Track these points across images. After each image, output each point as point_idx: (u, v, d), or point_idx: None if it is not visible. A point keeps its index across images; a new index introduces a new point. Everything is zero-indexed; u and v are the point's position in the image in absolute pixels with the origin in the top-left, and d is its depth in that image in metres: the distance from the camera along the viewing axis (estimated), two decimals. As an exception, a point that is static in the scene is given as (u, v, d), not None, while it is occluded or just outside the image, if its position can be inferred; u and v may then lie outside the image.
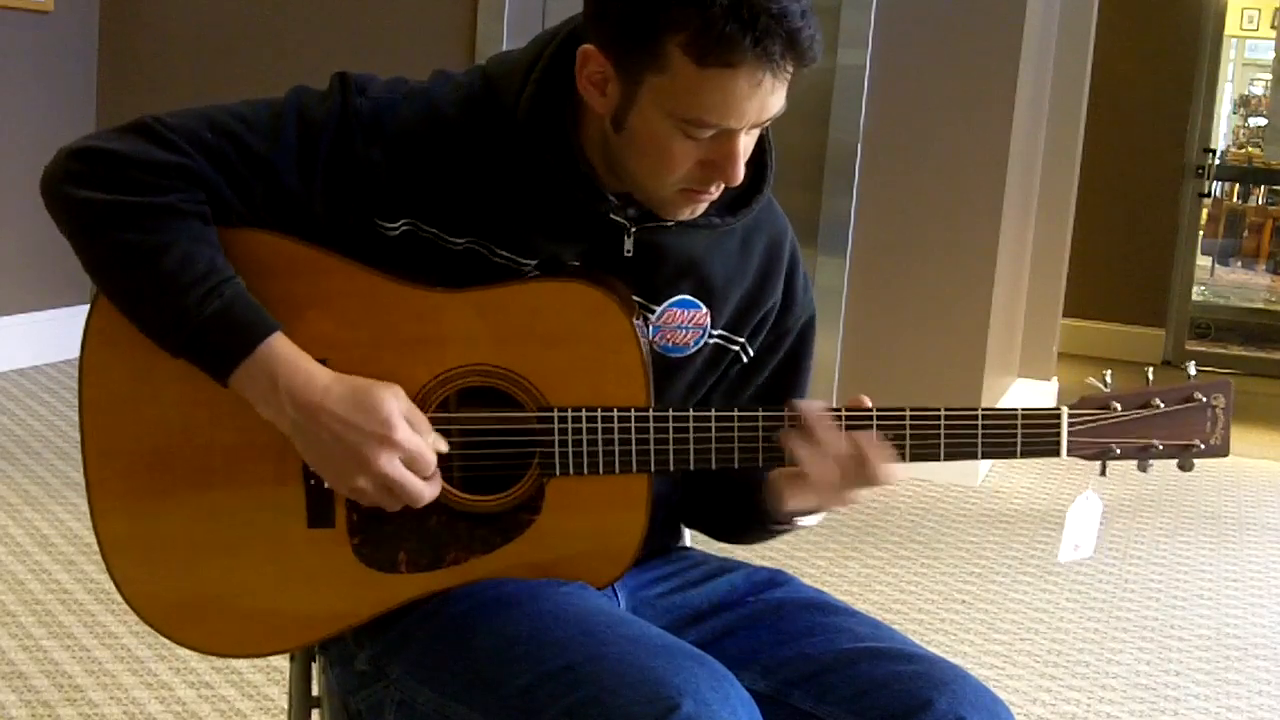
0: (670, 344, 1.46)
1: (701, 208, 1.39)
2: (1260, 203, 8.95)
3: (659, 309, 1.44)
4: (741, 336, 1.51)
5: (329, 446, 1.32)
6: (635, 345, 1.36)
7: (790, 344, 1.55)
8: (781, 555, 3.38)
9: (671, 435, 1.36)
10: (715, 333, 1.48)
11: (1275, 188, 8.69)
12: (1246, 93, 9.38)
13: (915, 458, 1.36)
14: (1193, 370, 1.41)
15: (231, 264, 1.33)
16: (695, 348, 1.47)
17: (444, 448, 1.35)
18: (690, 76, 1.26)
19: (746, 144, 1.33)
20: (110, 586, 2.79)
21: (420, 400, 1.36)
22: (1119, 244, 6.70)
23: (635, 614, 1.44)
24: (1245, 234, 8.97)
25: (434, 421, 1.36)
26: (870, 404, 1.37)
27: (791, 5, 1.25)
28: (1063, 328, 5.53)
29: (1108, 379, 1.41)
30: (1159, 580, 3.55)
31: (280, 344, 1.32)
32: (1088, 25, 5.08)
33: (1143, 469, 1.41)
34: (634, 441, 1.36)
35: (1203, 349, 7.05)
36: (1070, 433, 1.37)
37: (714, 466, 1.38)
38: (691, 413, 1.37)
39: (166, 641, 2.50)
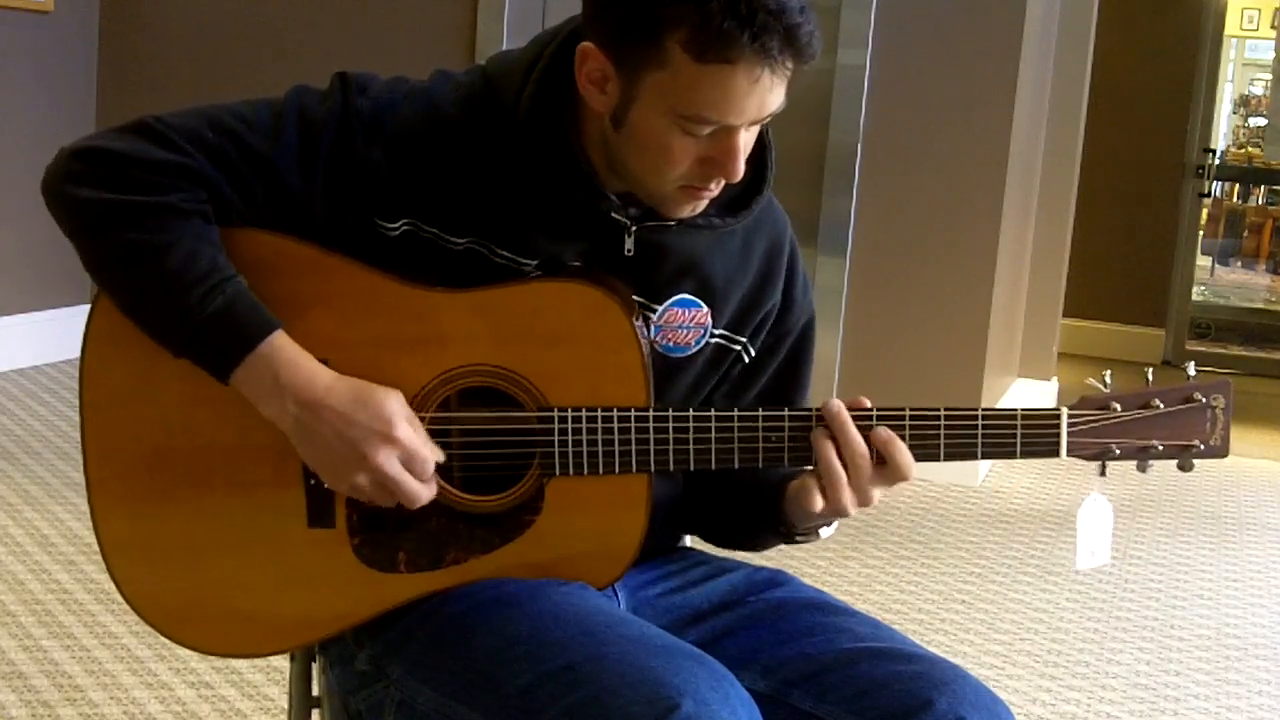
0: (672, 343, 1.46)
1: (702, 205, 1.39)
2: (1260, 203, 8.96)
3: (660, 308, 1.44)
4: (743, 337, 1.51)
5: (329, 443, 1.32)
6: (636, 346, 1.36)
7: (790, 345, 1.55)
8: (781, 555, 3.38)
9: (672, 435, 1.36)
10: (716, 332, 1.48)
11: (1275, 188, 8.70)
12: (1246, 93, 9.38)
13: (915, 458, 1.37)
14: (1192, 370, 1.41)
15: (233, 263, 1.33)
16: (696, 347, 1.47)
17: (441, 458, 1.35)
18: (689, 73, 1.27)
19: (746, 141, 1.33)
20: (110, 586, 2.79)
21: (421, 400, 1.36)
22: (1119, 244, 6.70)
23: (635, 614, 1.44)
24: (1245, 234, 8.97)
25: (434, 421, 1.36)
26: (870, 404, 1.37)
27: (790, 2, 1.25)
28: (1063, 328, 5.53)
29: (1107, 379, 1.41)
30: (1159, 580, 3.55)
31: (282, 342, 1.32)
32: (1088, 25, 5.08)
33: (1142, 469, 1.41)
34: (634, 442, 1.36)
35: (1203, 349, 7.05)
36: (1070, 433, 1.37)
37: (714, 467, 1.38)
38: (692, 413, 1.37)
39: (166, 641, 2.50)
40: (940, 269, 4.15)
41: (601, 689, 1.23)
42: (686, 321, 1.46)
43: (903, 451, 1.35)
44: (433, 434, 1.36)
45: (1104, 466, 1.40)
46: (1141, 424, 1.39)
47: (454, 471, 1.38)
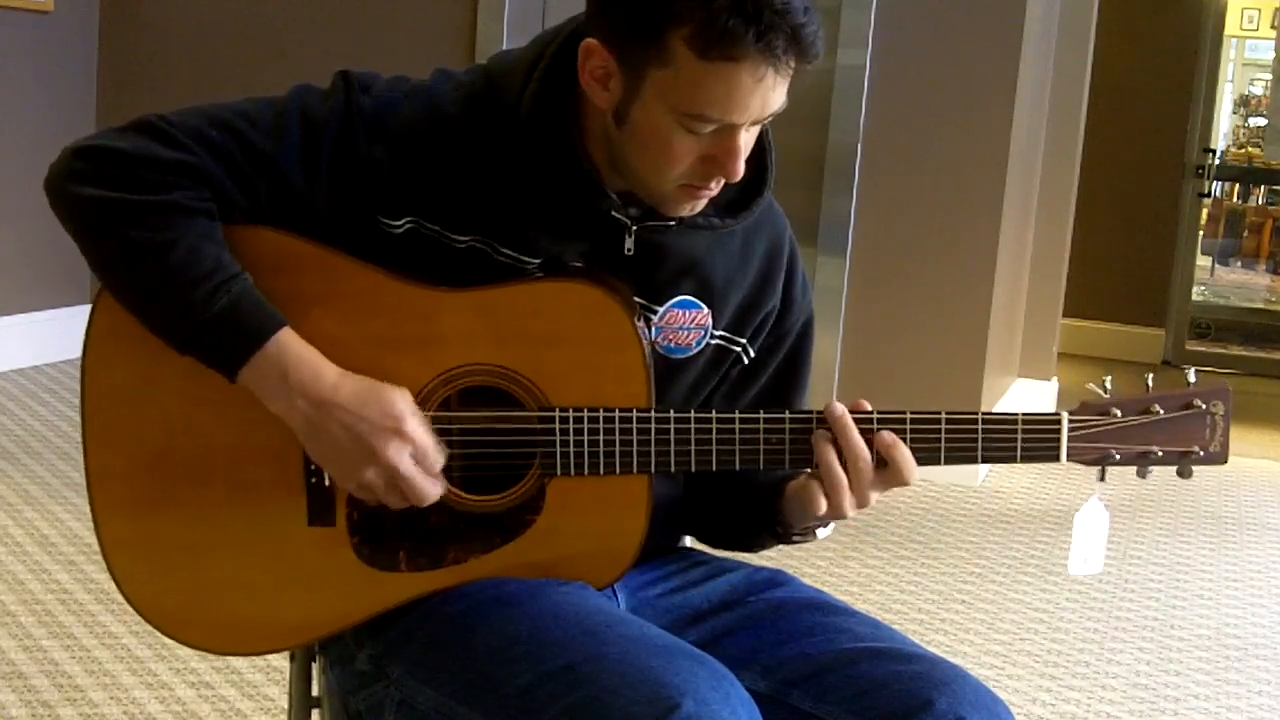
0: (672, 344, 1.46)
1: (702, 204, 1.39)
2: (1260, 203, 8.96)
3: (661, 309, 1.45)
4: (743, 338, 1.51)
5: (339, 439, 1.32)
6: (637, 346, 1.36)
7: (789, 345, 1.55)
8: (781, 555, 3.38)
9: (673, 436, 1.36)
10: (717, 333, 1.48)
11: (1275, 188, 8.70)
12: (1246, 93, 9.38)
13: (916, 462, 1.37)
14: (1192, 377, 1.41)
15: (238, 262, 1.33)
16: (697, 348, 1.47)
17: (443, 457, 1.35)
18: (693, 70, 1.27)
19: (747, 140, 1.33)
20: (110, 586, 2.79)
21: (422, 399, 1.36)
22: (1119, 244, 6.70)
23: (635, 614, 1.44)
24: (1245, 234, 8.97)
25: (435, 420, 1.36)
26: (870, 407, 1.37)
27: (794, 1, 1.25)
28: (1063, 328, 5.53)
29: (1108, 385, 1.41)
30: (1159, 580, 3.55)
31: (289, 338, 1.32)
32: (1088, 25, 5.08)
33: (1142, 475, 1.41)
34: (635, 442, 1.36)
35: (1203, 349, 7.05)
36: (1070, 438, 1.38)
37: (715, 468, 1.38)
38: (693, 414, 1.37)
39: (166, 641, 2.50)
40: (940, 269, 4.15)
41: (602, 689, 1.23)
42: (687, 323, 1.46)
43: (906, 457, 1.36)
44: (433, 433, 1.36)
45: (1104, 471, 1.40)
46: (1141, 430, 1.39)
47: (455, 471, 1.38)
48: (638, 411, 1.36)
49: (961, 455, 1.37)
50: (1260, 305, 8.52)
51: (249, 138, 1.36)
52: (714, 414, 1.37)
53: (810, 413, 1.38)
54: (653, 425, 1.36)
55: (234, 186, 1.35)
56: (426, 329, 1.36)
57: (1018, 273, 4.75)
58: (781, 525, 1.47)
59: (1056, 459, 1.38)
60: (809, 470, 1.40)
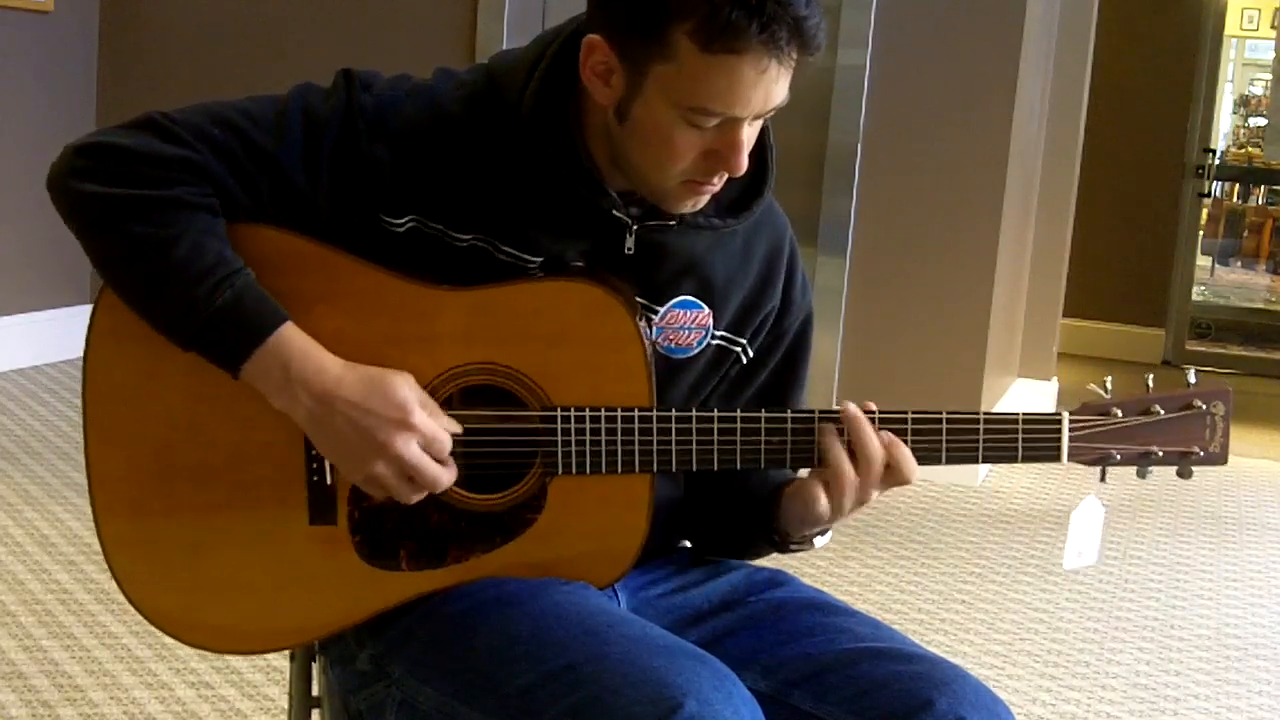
0: (673, 345, 1.46)
1: (703, 200, 1.39)
2: (1260, 203, 8.96)
3: (662, 309, 1.44)
4: (743, 338, 1.51)
5: (345, 433, 1.32)
6: (639, 345, 1.36)
7: (788, 344, 1.55)
8: (781, 556, 3.37)
9: (674, 435, 1.36)
10: (718, 334, 1.48)
11: (1275, 188, 8.70)
12: (1246, 93, 9.39)
13: (916, 461, 1.37)
14: (1193, 377, 1.42)
15: (241, 260, 1.33)
16: (699, 348, 1.47)
17: (458, 428, 1.35)
18: (696, 64, 1.27)
19: (750, 134, 1.33)
20: (110, 586, 2.79)
21: (423, 398, 1.36)
22: (1119, 244, 6.70)
23: (636, 614, 1.44)
24: (1245, 234, 8.98)
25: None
26: (874, 407, 1.37)
27: None
28: (1063, 328, 5.53)
29: (1108, 385, 1.41)
30: (1159, 580, 3.55)
31: (291, 333, 1.32)
32: (1088, 25, 5.08)
33: (1142, 475, 1.42)
34: (637, 441, 1.36)
35: (1203, 349, 7.05)
36: (1071, 438, 1.38)
37: (716, 467, 1.38)
38: (694, 413, 1.37)
39: (166, 641, 2.50)
40: (940, 269, 4.15)
41: (603, 689, 1.23)
42: (688, 323, 1.46)
43: (907, 456, 1.36)
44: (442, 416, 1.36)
45: (1104, 472, 1.41)
46: (1142, 430, 1.39)
47: (456, 469, 1.38)
48: (639, 411, 1.36)
49: (962, 455, 1.38)
50: (1260, 305, 8.52)
51: (251, 135, 1.36)
52: (715, 413, 1.37)
53: (812, 412, 1.38)
54: (654, 424, 1.36)
55: (236, 184, 1.35)
56: (428, 328, 1.36)
57: (1018, 273, 4.75)
58: (778, 532, 1.47)
59: (1057, 459, 1.38)
60: (808, 472, 1.40)
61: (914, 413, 1.37)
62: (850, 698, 1.35)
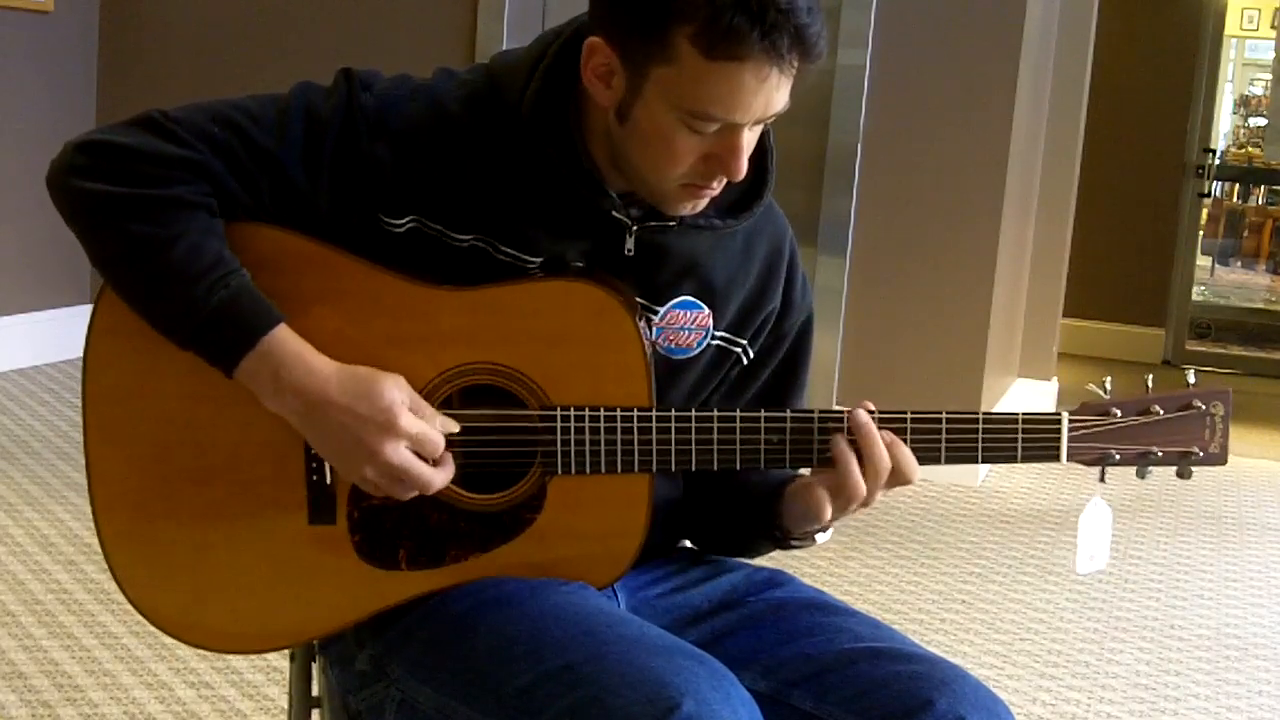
0: (673, 345, 1.46)
1: (703, 203, 1.39)
2: (1260, 203, 8.96)
3: (662, 310, 1.44)
4: (743, 339, 1.51)
5: (336, 437, 1.32)
6: (638, 345, 1.36)
7: (788, 346, 1.55)
8: (782, 555, 3.37)
9: (674, 435, 1.36)
10: (718, 334, 1.48)
11: (1275, 188, 8.70)
12: (1246, 93, 9.39)
13: (918, 462, 1.37)
14: (1192, 378, 1.42)
15: (240, 259, 1.33)
16: (699, 349, 1.47)
17: (454, 428, 1.35)
18: (697, 69, 1.27)
19: (750, 139, 1.33)
20: (110, 586, 2.79)
21: (424, 397, 1.36)
22: (1119, 244, 6.70)
23: (635, 614, 1.44)
24: (1245, 234, 8.98)
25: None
26: (873, 408, 1.38)
27: (799, 1, 1.26)
28: (1063, 328, 5.53)
29: (1108, 385, 1.41)
30: (1159, 580, 3.55)
31: (284, 335, 1.32)
32: (1088, 25, 5.08)
33: (1141, 476, 1.42)
34: (636, 441, 1.36)
35: (1203, 349, 7.05)
36: (1070, 438, 1.38)
37: (715, 467, 1.38)
38: (694, 413, 1.37)
39: (166, 641, 2.50)
40: (940, 269, 4.15)
41: (602, 689, 1.23)
42: (688, 323, 1.46)
43: (907, 455, 1.36)
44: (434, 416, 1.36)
45: (1104, 472, 1.41)
46: (1141, 430, 1.39)
47: (456, 469, 1.38)
48: (639, 411, 1.36)
49: (962, 455, 1.38)
50: (1260, 305, 8.52)
51: (252, 135, 1.36)
52: (715, 413, 1.37)
53: (812, 412, 1.38)
54: (653, 424, 1.36)
55: (236, 183, 1.35)
56: (428, 327, 1.36)
57: (1018, 273, 4.75)
58: (780, 529, 1.47)
59: (1057, 459, 1.38)
60: (810, 472, 1.40)
61: (913, 413, 1.37)
62: (850, 698, 1.35)
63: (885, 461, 1.35)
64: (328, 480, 1.38)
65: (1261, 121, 9.15)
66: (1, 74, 4.60)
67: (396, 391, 1.32)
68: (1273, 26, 8.52)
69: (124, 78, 4.95)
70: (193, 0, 4.87)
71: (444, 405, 1.37)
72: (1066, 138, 5.09)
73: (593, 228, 1.41)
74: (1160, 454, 1.40)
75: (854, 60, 4.11)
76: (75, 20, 4.87)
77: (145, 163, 1.33)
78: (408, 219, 1.39)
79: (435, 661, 1.35)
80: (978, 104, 4.07)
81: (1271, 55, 8.78)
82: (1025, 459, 1.38)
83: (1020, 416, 1.37)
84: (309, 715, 1.58)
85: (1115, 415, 1.39)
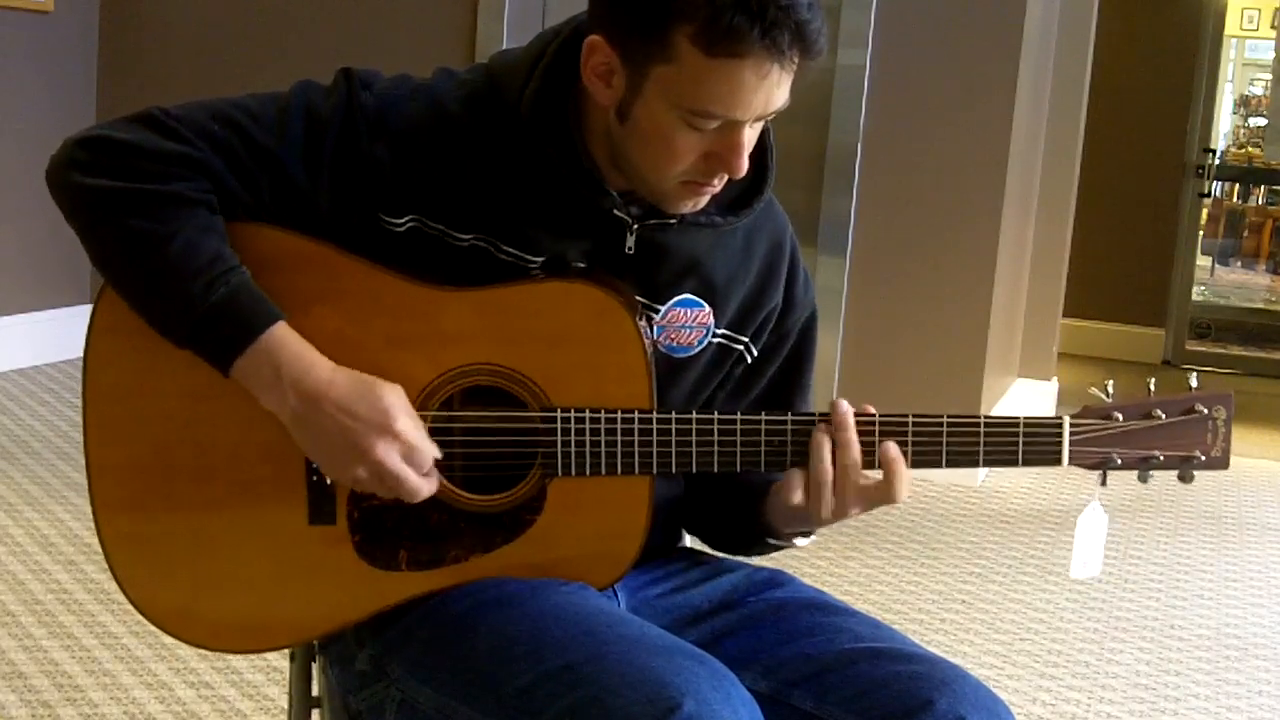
0: (674, 344, 1.46)
1: (703, 201, 1.39)
2: (1260, 203, 8.97)
3: (663, 308, 1.44)
4: (745, 336, 1.51)
5: (330, 436, 1.32)
6: (639, 346, 1.36)
7: (792, 344, 1.55)
8: (782, 554, 3.37)
9: (674, 437, 1.36)
10: (719, 332, 1.48)
11: (1275, 188, 8.70)
12: (1246, 93, 9.39)
13: (917, 464, 1.37)
14: (1194, 381, 1.41)
15: (240, 259, 1.33)
16: (699, 347, 1.47)
17: (438, 453, 1.35)
18: (697, 67, 1.27)
19: (750, 137, 1.33)
20: (110, 586, 2.79)
21: (425, 398, 1.36)
22: (1119, 244, 6.70)
23: (635, 614, 1.44)
24: (1245, 234, 8.98)
25: (437, 420, 1.36)
26: (874, 412, 1.37)
27: None
28: (1063, 328, 5.53)
29: (1109, 389, 1.41)
30: (1159, 580, 3.55)
31: (284, 333, 1.32)
32: (1088, 25, 5.08)
33: (1143, 479, 1.41)
34: (636, 443, 1.36)
35: (1203, 349, 7.06)
36: (1072, 442, 1.38)
37: (716, 470, 1.38)
38: (694, 415, 1.37)
39: (166, 641, 2.50)
40: (940, 269, 4.15)
41: (602, 689, 1.23)
42: (689, 321, 1.46)
43: (902, 474, 1.35)
44: (435, 432, 1.36)
45: (1105, 476, 1.41)
46: (1143, 434, 1.39)
47: (456, 470, 1.38)
48: (639, 413, 1.36)
49: (963, 459, 1.37)
50: (1260, 305, 8.52)
51: (252, 133, 1.36)
52: (715, 415, 1.37)
53: (812, 415, 1.38)
54: (654, 426, 1.36)
55: (235, 181, 1.35)
56: (429, 328, 1.36)
57: (1018, 273, 4.75)
58: (762, 525, 1.47)
59: (1058, 463, 1.38)
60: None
61: (914, 416, 1.37)
62: (850, 698, 1.35)
63: (853, 449, 1.35)
64: (328, 481, 1.38)
65: (1261, 121, 9.15)
66: (1, 74, 4.60)
67: (396, 398, 1.32)
68: (1273, 26, 8.52)
69: (124, 78, 4.95)
70: (193, 0, 4.87)
71: (444, 406, 1.37)
72: (1066, 138, 5.09)
73: (593, 227, 1.41)
74: (1162, 458, 1.40)
75: (854, 60, 4.11)
76: (75, 20, 4.87)
77: (145, 159, 1.33)
78: (408, 218, 1.38)
79: (435, 661, 1.35)
80: (978, 104, 4.07)
81: (1271, 55, 8.78)
82: (1026, 463, 1.38)
83: (1021, 420, 1.37)
84: (309, 715, 1.58)
85: (1117, 419, 1.39)
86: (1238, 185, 8.88)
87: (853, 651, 1.38)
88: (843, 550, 3.55)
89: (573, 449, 1.36)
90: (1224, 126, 8.57)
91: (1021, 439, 1.37)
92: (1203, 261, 8.00)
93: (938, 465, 1.37)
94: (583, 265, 1.42)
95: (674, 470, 1.37)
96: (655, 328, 1.44)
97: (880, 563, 3.50)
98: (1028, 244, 4.94)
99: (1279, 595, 3.52)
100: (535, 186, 1.39)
